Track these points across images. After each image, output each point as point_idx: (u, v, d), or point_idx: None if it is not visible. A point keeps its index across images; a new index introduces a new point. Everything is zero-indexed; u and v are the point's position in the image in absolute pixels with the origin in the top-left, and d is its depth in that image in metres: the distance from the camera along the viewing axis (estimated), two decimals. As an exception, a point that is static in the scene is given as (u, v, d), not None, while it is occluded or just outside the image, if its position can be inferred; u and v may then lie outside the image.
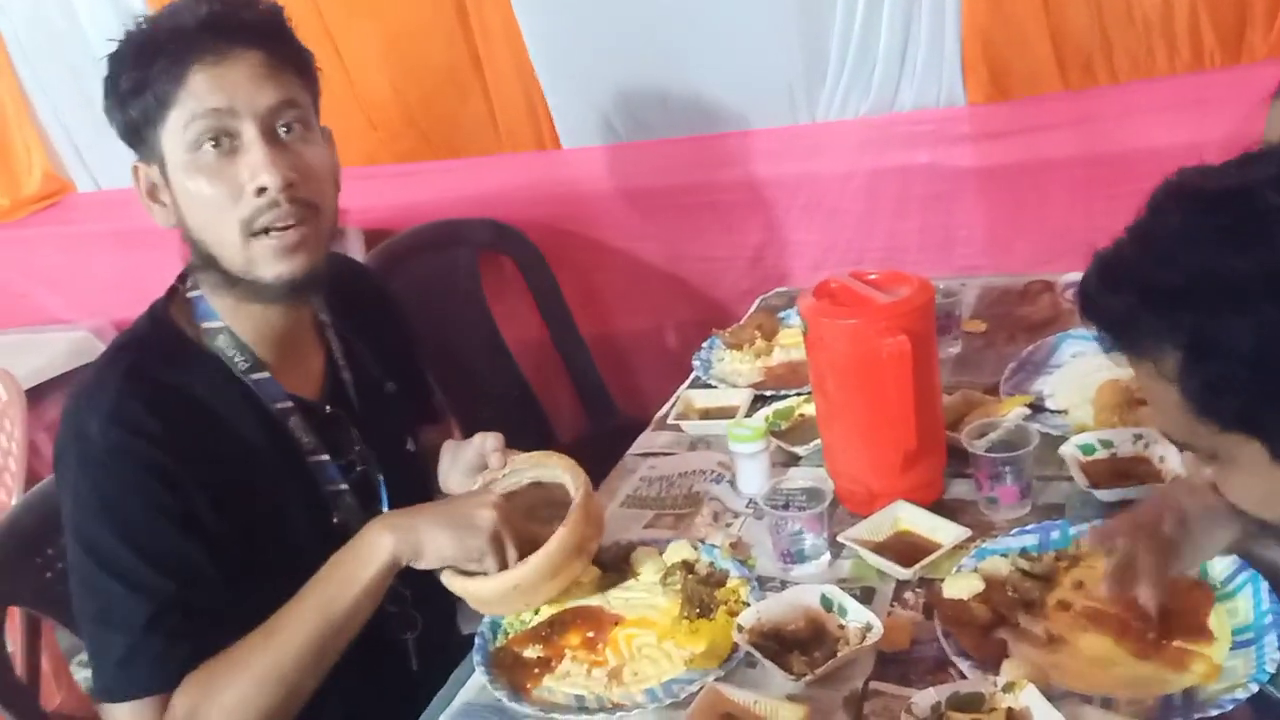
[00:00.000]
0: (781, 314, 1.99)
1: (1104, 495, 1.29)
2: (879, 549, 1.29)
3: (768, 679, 1.13)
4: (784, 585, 1.28)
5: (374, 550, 1.18)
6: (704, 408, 1.74)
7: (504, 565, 1.21)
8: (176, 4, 1.17)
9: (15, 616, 1.62)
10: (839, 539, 1.31)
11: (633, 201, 2.51)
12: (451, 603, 1.41)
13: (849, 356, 1.32)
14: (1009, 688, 1.00)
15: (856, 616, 1.16)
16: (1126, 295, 0.85)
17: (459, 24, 2.44)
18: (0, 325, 3.11)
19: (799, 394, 1.67)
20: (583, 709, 1.15)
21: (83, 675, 2.17)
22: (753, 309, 2.10)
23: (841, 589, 1.20)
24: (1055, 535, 1.24)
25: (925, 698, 1.01)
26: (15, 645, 1.62)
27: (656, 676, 1.17)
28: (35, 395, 2.47)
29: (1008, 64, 2.11)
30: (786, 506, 1.32)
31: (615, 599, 1.30)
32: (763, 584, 1.28)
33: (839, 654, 1.12)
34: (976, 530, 1.29)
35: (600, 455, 1.66)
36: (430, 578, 1.23)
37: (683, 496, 1.54)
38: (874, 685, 1.11)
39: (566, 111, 2.48)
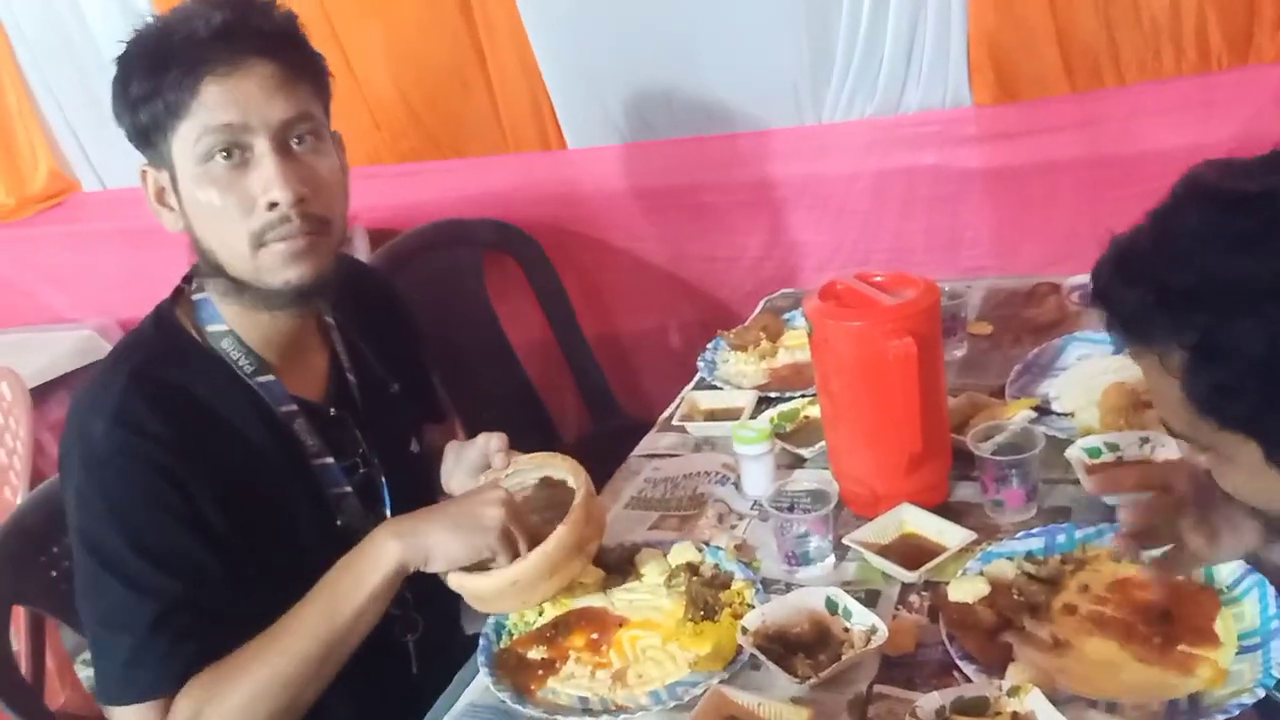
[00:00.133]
0: (786, 315, 1.98)
1: (1110, 499, 1.29)
2: (884, 552, 1.29)
3: (772, 682, 1.13)
4: (789, 588, 1.27)
5: (380, 557, 1.18)
6: (709, 409, 1.74)
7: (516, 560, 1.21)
8: (189, 8, 1.16)
9: (20, 615, 1.62)
10: (844, 541, 1.31)
11: (637, 202, 2.51)
12: (454, 604, 1.41)
13: (854, 358, 1.32)
14: (1014, 691, 1.00)
15: (861, 619, 1.16)
16: (1139, 290, 0.85)
17: (464, 23, 2.44)
18: (5, 324, 3.12)
19: (804, 396, 1.67)
20: (587, 711, 1.15)
21: (87, 674, 2.17)
22: (758, 310, 2.09)
23: (846, 591, 1.20)
24: (1061, 539, 1.24)
25: (930, 701, 1.01)
26: (20, 644, 1.62)
27: (661, 678, 1.17)
28: (40, 394, 2.48)
29: (1014, 65, 2.11)
30: (791, 509, 1.31)
31: (619, 600, 1.30)
32: (767, 586, 1.28)
33: (843, 657, 1.12)
34: (982, 533, 1.29)
35: (603, 456, 1.66)
36: (433, 580, 1.23)
37: (687, 498, 1.54)
38: (878, 688, 1.10)
39: (572, 111, 2.47)
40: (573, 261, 2.58)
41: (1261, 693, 0.98)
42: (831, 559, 1.31)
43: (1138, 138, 2.04)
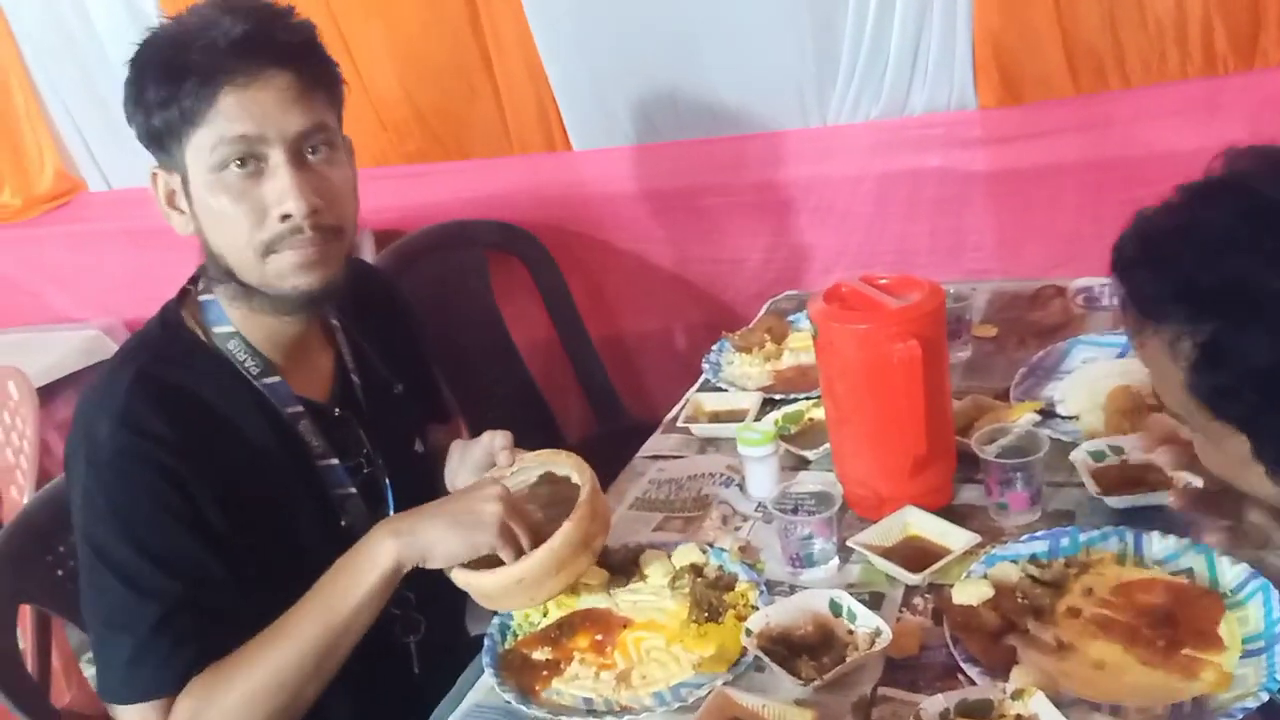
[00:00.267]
0: (791, 317, 1.98)
1: (1114, 502, 1.29)
2: (888, 554, 1.29)
3: (776, 683, 1.13)
4: (793, 589, 1.27)
5: (376, 556, 1.18)
6: (713, 411, 1.74)
7: (520, 554, 1.20)
8: (207, 14, 1.16)
9: (26, 614, 1.63)
10: (848, 543, 1.31)
11: (642, 203, 2.51)
12: (457, 605, 1.42)
13: (859, 361, 1.32)
14: (1018, 694, 1.00)
15: (865, 622, 1.16)
16: (1162, 275, 0.85)
17: (470, 25, 2.44)
18: (12, 323, 3.13)
19: (808, 398, 1.67)
20: (591, 712, 1.15)
21: (92, 672, 2.17)
22: (762, 312, 2.10)
23: (850, 594, 1.20)
24: (1065, 542, 1.24)
25: (934, 704, 1.01)
26: (26, 642, 1.62)
27: (665, 680, 1.17)
28: (46, 394, 2.48)
29: (1019, 68, 2.11)
30: (795, 510, 1.31)
31: (623, 602, 1.30)
32: (771, 588, 1.28)
33: (848, 659, 1.12)
34: (986, 536, 1.29)
35: (607, 457, 1.66)
36: (436, 580, 1.23)
37: (691, 499, 1.54)
38: (882, 691, 1.10)
39: (577, 113, 2.48)
40: (578, 263, 2.59)
41: (1266, 696, 0.98)
42: (835, 561, 1.31)
43: (1143, 141, 2.04)
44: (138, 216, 2.76)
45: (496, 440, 1.37)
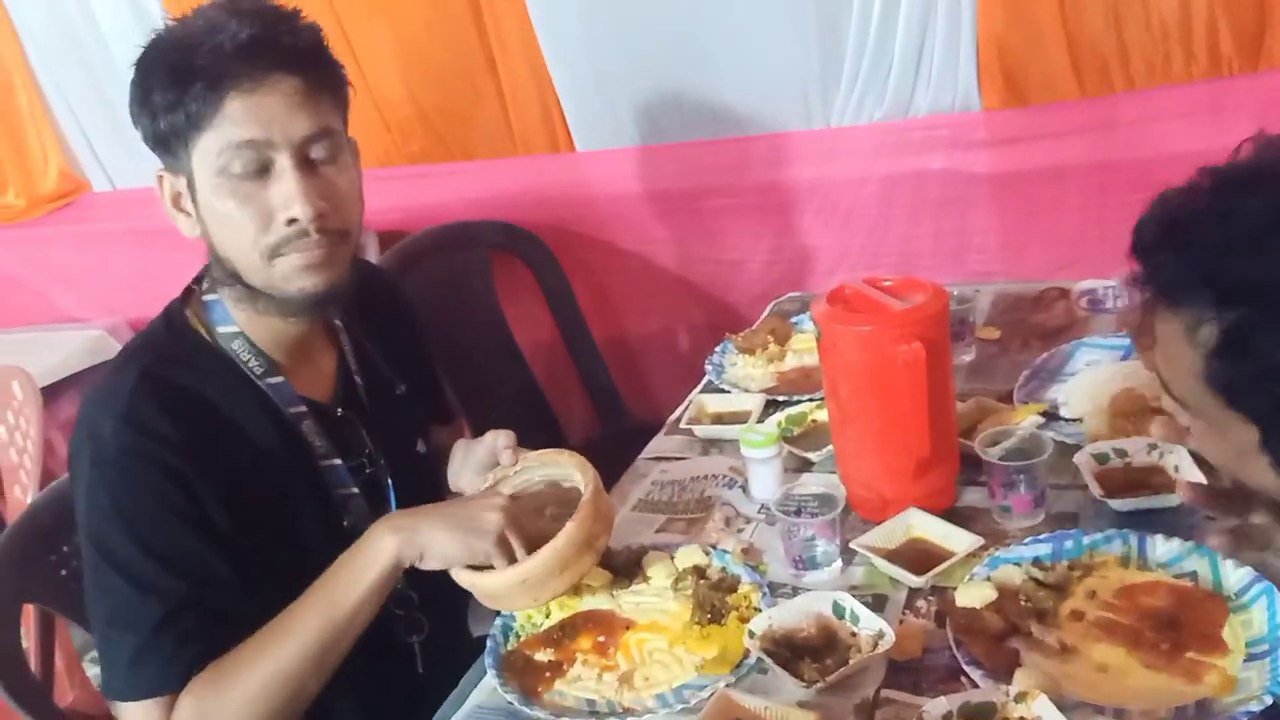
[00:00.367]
0: (795, 319, 1.98)
1: (1118, 505, 1.29)
2: (891, 556, 1.29)
3: (779, 685, 1.13)
4: (795, 591, 1.27)
5: (377, 552, 1.18)
6: (716, 412, 1.74)
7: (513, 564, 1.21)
8: (214, 16, 1.16)
9: (30, 614, 1.63)
10: (851, 545, 1.31)
11: (646, 204, 2.51)
12: (460, 605, 1.42)
13: (863, 363, 1.32)
14: (1021, 697, 1.00)
15: (868, 624, 1.16)
16: (1189, 259, 0.83)
17: (474, 26, 2.44)
18: (16, 323, 3.13)
19: (811, 399, 1.67)
20: (593, 713, 1.15)
21: (95, 672, 2.18)
22: (766, 313, 2.10)
23: (853, 596, 1.20)
24: (1069, 544, 1.24)
25: (937, 706, 1.01)
26: (29, 642, 1.62)
27: (667, 681, 1.17)
28: (50, 393, 2.49)
29: (1024, 69, 2.11)
30: (799, 512, 1.31)
31: (626, 603, 1.30)
32: (774, 590, 1.28)
33: (850, 661, 1.12)
34: (989, 538, 1.28)
35: (611, 458, 1.66)
36: (439, 580, 1.23)
37: (694, 501, 1.54)
38: (885, 693, 1.10)
39: (581, 114, 2.48)
40: (581, 264, 2.59)
41: (1269, 700, 0.98)
42: (838, 563, 1.31)
43: (1147, 143, 2.04)
44: (142, 217, 2.77)
45: (499, 440, 1.37)
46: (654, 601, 1.29)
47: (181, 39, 1.17)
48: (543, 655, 1.24)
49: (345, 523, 1.29)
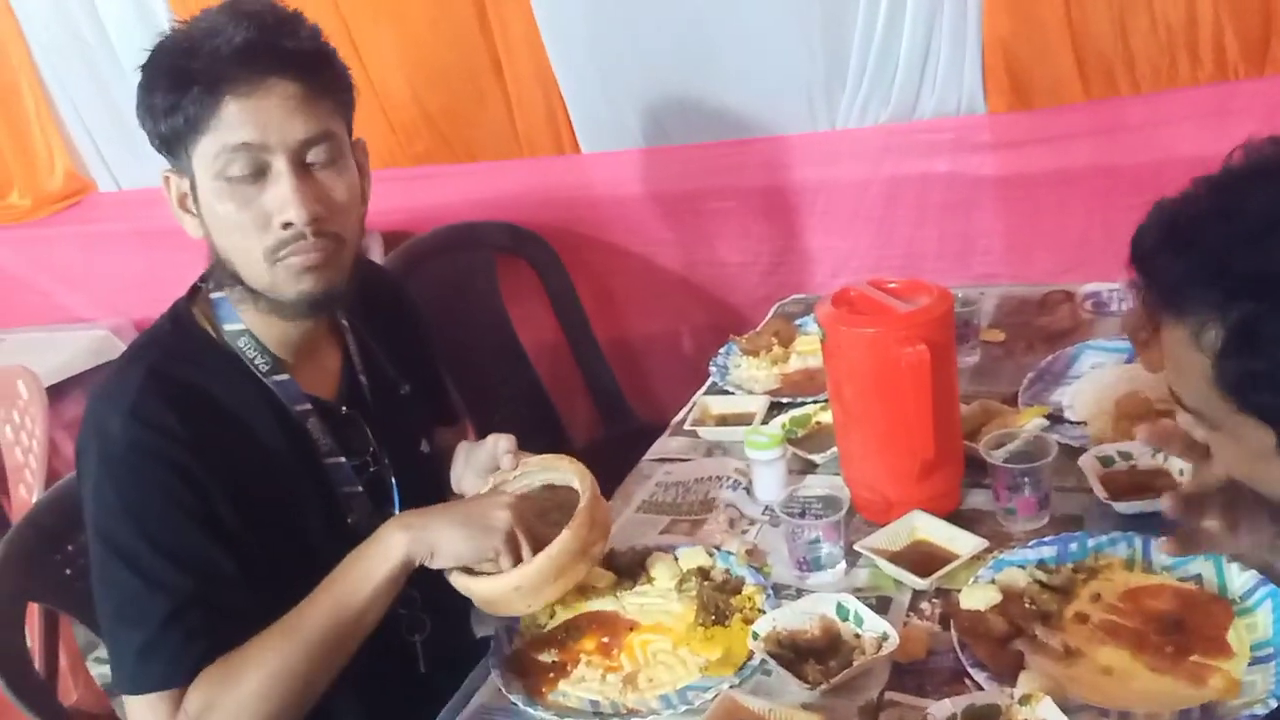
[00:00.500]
0: (799, 321, 1.98)
1: (1122, 507, 1.29)
2: (895, 558, 1.29)
3: (783, 687, 1.13)
4: (800, 593, 1.27)
5: (388, 549, 1.19)
6: (720, 414, 1.74)
7: (519, 564, 1.21)
8: (215, 20, 1.16)
9: (34, 612, 1.63)
10: (855, 548, 1.31)
11: (651, 206, 2.51)
12: (463, 605, 1.42)
13: (867, 365, 1.32)
14: (1025, 700, 1.00)
15: (872, 626, 1.16)
16: (1193, 259, 0.83)
17: (479, 27, 2.44)
18: (22, 323, 3.14)
19: (816, 401, 1.67)
20: (597, 714, 1.15)
21: (99, 671, 2.18)
22: (770, 315, 2.09)
23: (857, 598, 1.20)
24: (1073, 547, 1.24)
25: (941, 709, 1.01)
26: (34, 641, 1.63)
27: (671, 683, 1.17)
28: (55, 393, 2.49)
29: (1029, 73, 2.11)
30: (803, 514, 1.31)
31: (630, 604, 1.30)
32: (778, 592, 1.28)
33: (854, 663, 1.12)
34: (994, 541, 1.28)
35: (615, 459, 1.66)
36: (441, 580, 1.24)
37: (699, 502, 1.54)
38: (889, 695, 1.10)
39: (585, 116, 2.48)
40: (585, 265, 2.59)
41: (1274, 703, 0.98)
42: (843, 565, 1.31)
43: (1152, 146, 2.04)
44: (147, 217, 2.77)
45: (500, 444, 1.38)
46: (658, 603, 1.30)
47: (182, 42, 1.17)
48: (547, 656, 1.24)
49: (349, 520, 1.30)
